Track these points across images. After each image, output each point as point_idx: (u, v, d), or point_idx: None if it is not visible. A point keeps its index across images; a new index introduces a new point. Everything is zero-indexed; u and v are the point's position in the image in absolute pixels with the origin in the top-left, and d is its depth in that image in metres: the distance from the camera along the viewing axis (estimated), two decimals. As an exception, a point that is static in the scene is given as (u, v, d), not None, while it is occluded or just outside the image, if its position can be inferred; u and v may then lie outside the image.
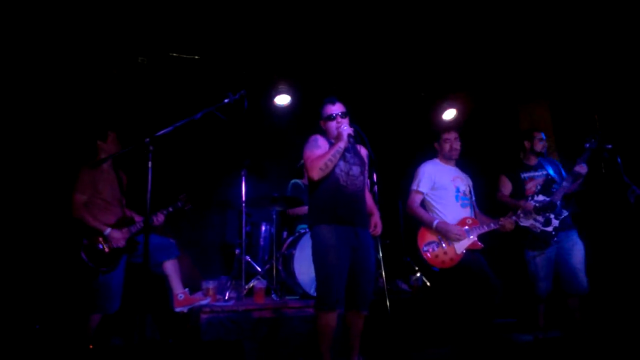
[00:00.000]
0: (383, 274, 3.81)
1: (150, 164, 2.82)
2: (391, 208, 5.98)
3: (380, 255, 3.65)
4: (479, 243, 3.90)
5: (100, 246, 3.71)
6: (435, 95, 6.41)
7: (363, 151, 3.52)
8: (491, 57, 5.47)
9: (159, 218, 3.95)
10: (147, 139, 2.86)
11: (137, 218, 4.00)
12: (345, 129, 3.21)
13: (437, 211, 4.00)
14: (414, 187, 4.04)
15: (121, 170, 4.14)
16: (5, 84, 4.62)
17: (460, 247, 3.86)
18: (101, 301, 3.70)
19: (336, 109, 3.38)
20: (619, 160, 3.86)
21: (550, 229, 4.02)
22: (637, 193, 3.88)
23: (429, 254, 3.88)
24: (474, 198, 4.12)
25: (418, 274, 5.36)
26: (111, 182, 3.98)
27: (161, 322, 4.30)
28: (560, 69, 5.47)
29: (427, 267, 5.57)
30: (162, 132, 3.14)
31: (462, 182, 4.07)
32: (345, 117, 3.37)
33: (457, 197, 3.99)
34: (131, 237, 3.84)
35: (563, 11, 4.58)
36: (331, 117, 3.35)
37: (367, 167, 3.52)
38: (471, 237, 3.88)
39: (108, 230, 3.73)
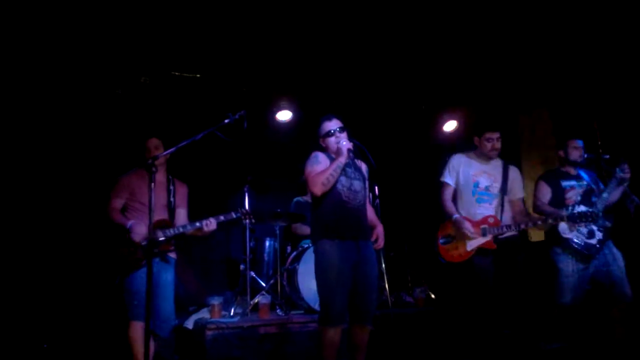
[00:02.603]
0: (386, 286, 3.82)
1: (153, 185, 2.85)
2: (395, 221, 6.00)
3: (384, 267, 3.66)
4: (494, 244, 3.76)
5: (126, 242, 3.51)
6: (436, 108, 6.44)
7: (363, 166, 3.57)
8: (490, 67, 5.50)
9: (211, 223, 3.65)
10: (150, 160, 2.90)
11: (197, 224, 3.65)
12: (345, 144, 3.25)
13: (458, 205, 3.94)
14: (441, 177, 4.00)
15: (178, 180, 3.90)
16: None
17: (471, 245, 3.78)
18: (131, 306, 3.44)
19: (333, 124, 3.42)
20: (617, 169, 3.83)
21: (594, 241, 3.80)
22: (637, 202, 3.88)
23: (442, 246, 3.93)
24: (509, 195, 3.92)
25: (422, 287, 5.36)
26: (156, 187, 3.37)
27: (166, 339, 4.31)
28: (559, 78, 5.50)
29: (431, 280, 5.61)
30: (164, 152, 3.21)
31: (488, 178, 3.91)
32: (344, 132, 3.40)
33: (473, 192, 3.88)
34: (154, 240, 3.51)
35: (560, 20, 4.62)
36: (330, 133, 3.39)
37: (367, 182, 3.55)
38: (487, 236, 3.77)
39: (130, 223, 3.51)
